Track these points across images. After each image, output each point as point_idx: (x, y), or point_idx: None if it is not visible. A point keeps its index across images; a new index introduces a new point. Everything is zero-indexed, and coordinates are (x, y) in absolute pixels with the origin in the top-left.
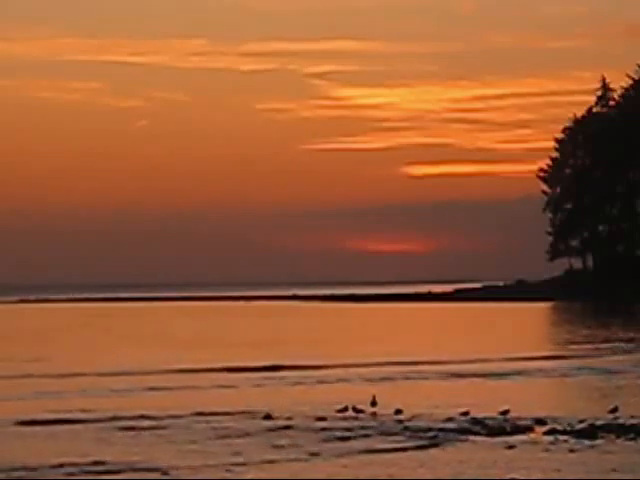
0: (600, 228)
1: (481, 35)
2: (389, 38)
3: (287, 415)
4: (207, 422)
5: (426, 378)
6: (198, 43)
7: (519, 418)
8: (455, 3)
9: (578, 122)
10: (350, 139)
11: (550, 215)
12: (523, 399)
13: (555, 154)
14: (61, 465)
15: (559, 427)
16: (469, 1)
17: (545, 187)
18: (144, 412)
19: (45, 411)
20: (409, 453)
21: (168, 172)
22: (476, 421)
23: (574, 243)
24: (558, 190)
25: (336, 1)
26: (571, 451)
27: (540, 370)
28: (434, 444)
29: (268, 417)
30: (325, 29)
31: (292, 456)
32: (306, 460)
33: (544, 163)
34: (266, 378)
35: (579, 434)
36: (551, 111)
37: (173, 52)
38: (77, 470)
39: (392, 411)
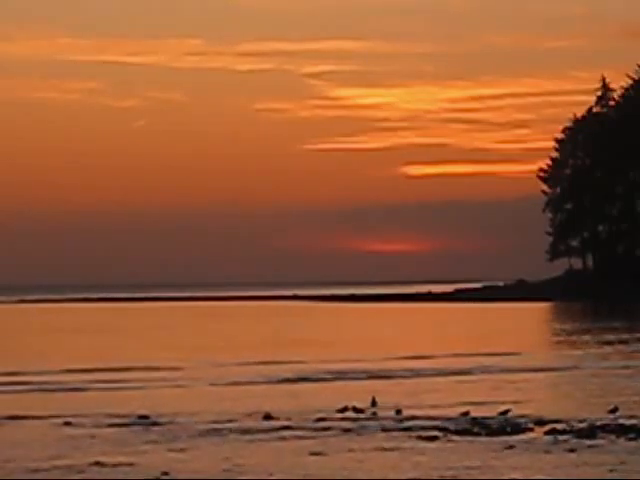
0: (600, 228)
1: (478, 35)
2: (386, 38)
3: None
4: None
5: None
6: (195, 43)
7: (519, 418)
8: (452, 3)
9: (578, 122)
10: (347, 139)
11: (550, 215)
12: (523, 399)
13: (555, 154)
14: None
15: (559, 427)
16: (466, 1)
17: (545, 187)
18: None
19: None
20: (408, 453)
21: (166, 172)
22: (476, 421)
23: (574, 243)
24: (558, 190)
25: (334, 1)
26: (571, 451)
27: (542, 370)
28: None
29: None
30: (322, 29)
31: None
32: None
33: (543, 163)
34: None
35: (579, 434)
36: (549, 111)
37: (170, 52)
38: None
39: (393, 411)
